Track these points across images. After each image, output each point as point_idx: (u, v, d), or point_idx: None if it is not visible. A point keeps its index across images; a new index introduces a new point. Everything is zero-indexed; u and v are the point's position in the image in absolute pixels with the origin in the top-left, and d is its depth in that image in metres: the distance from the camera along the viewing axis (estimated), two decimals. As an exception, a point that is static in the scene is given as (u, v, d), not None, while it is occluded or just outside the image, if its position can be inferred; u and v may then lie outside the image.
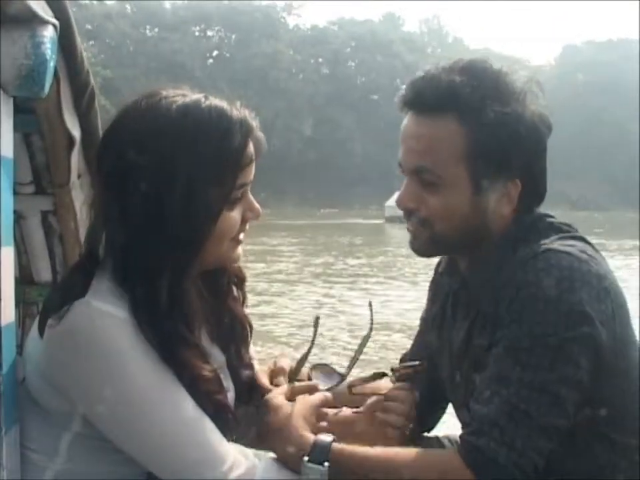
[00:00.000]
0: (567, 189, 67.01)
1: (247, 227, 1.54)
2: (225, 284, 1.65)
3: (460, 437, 1.48)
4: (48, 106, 1.52)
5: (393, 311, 11.96)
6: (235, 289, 1.69)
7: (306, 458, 1.47)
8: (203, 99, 1.43)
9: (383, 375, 1.79)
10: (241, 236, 1.53)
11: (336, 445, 1.48)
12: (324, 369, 1.77)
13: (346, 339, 9.81)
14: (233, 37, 72.94)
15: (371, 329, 1.77)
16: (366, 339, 1.78)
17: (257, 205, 1.52)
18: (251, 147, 1.46)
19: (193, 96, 1.44)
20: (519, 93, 1.55)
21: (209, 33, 74.36)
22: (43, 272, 1.98)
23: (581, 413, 1.47)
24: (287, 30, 74.87)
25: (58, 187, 1.79)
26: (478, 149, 1.53)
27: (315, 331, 1.72)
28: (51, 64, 1.27)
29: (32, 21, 1.23)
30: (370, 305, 1.84)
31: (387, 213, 47.11)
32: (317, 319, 1.73)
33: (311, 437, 1.51)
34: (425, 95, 1.56)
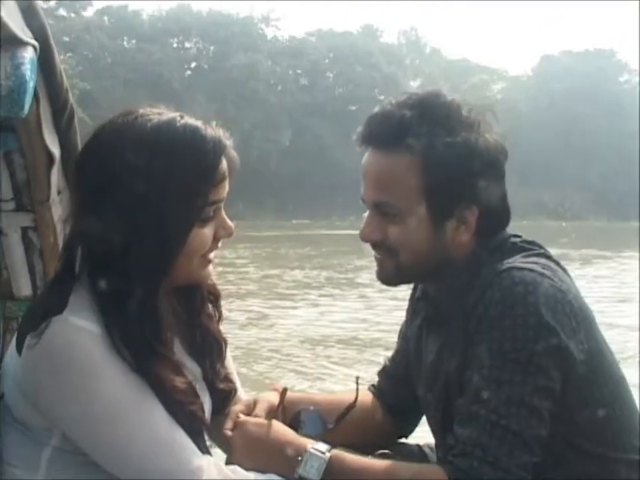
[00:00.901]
0: (544, 197, 67.31)
1: (219, 245, 1.55)
2: (198, 300, 1.67)
3: (445, 459, 1.50)
4: (28, 125, 1.53)
5: (329, 322, 11.80)
6: (210, 305, 1.71)
7: (310, 445, 1.52)
8: (178, 118, 1.46)
9: (353, 405, 1.82)
10: (212, 255, 1.54)
11: (334, 450, 1.54)
12: (307, 412, 1.78)
13: (272, 347, 9.80)
14: (211, 48, 72.60)
15: (355, 400, 1.82)
16: (351, 406, 1.81)
17: (230, 223, 1.54)
18: (224, 165, 1.48)
19: (169, 114, 1.47)
20: (472, 122, 1.59)
21: (187, 45, 73.93)
22: (24, 287, 1.98)
23: (556, 423, 1.49)
24: (265, 41, 74.56)
25: (38, 203, 1.79)
26: (431, 180, 1.57)
27: (282, 399, 1.72)
28: (31, 84, 1.28)
29: (12, 42, 1.24)
30: (357, 379, 1.85)
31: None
32: (285, 390, 1.74)
33: (308, 440, 1.56)
34: (379, 131, 1.61)
